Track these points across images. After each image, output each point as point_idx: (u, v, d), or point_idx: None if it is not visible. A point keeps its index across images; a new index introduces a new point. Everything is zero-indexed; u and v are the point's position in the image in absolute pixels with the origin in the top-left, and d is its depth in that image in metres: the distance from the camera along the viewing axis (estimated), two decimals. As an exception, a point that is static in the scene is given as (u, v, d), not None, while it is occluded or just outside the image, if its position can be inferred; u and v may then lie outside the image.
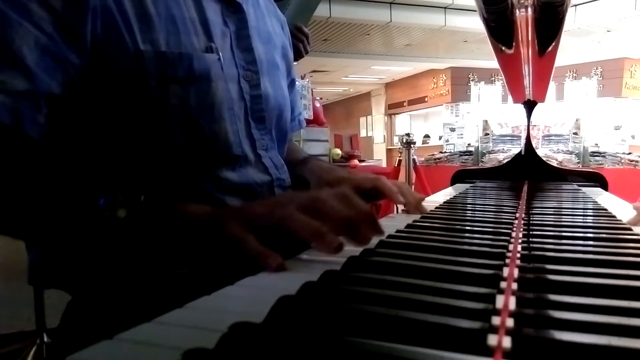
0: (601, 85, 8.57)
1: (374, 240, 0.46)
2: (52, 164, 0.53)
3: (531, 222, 0.57)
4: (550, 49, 1.15)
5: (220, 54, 0.65)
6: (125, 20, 0.57)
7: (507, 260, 0.37)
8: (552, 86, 6.41)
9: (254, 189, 0.69)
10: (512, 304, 0.27)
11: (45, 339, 1.90)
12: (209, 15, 0.65)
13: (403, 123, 13.14)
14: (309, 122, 4.22)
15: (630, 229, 0.53)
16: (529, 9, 1.05)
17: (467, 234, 0.54)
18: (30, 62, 0.52)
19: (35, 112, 0.53)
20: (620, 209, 0.75)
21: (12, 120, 0.51)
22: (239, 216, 0.49)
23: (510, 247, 0.42)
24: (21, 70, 0.51)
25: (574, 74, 9.11)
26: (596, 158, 4.29)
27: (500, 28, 1.12)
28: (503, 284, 0.31)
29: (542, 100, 1.32)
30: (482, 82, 8.82)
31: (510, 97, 1.45)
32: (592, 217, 0.68)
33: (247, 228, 0.47)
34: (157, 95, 0.59)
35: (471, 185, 1.17)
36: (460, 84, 10.34)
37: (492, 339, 0.22)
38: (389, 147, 12.63)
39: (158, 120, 0.60)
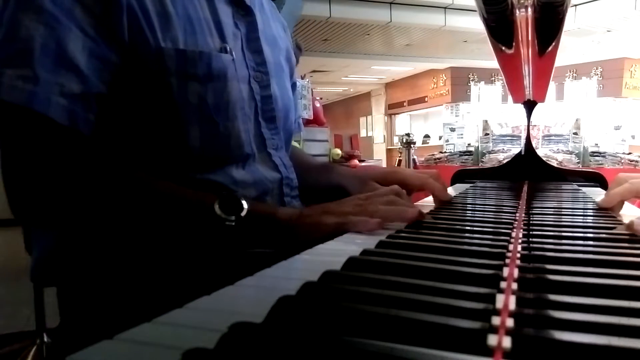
0: (601, 85, 8.57)
1: (374, 240, 0.46)
2: (105, 161, 0.57)
3: (531, 222, 0.57)
4: (550, 48, 1.15)
5: (234, 55, 0.66)
6: (147, 18, 0.59)
7: (507, 260, 0.37)
8: (552, 86, 6.41)
9: (265, 184, 0.70)
10: (512, 304, 0.27)
11: (45, 339, 1.90)
12: (222, 17, 0.67)
13: (403, 123, 13.13)
14: (309, 122, 4.21)
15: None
16: (529, 9, 1.05)
17: (467, 234, 0.54)
18: (83, 65, 0.55)
19: (87, 112, 0.56)
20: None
21: (70, 122, 0.54)
22: (332, 212, 0.57)
23: (510, 247, 0.42)
24: (76, 73, 0.54)
25: (574, 74, 9.11)
26: (596, 158, 4.30)
27: (500, 28, 1.12)
28: (503, 284, 0.31)
29: (542, 100, 1.32)
30: (482, 82, 8.81)
31: (510, 97, 1.45)
32: (592, 217, 0.68)
33: (340, 219, 0.55)
34: (177, 93, 0.61)
35: (471, 185, 1.17)
36: (460, 84, 10.33)
37: (492, 339, 0.22)
38: (389, 147, 12.63)
39: (176, 118, 0.61)
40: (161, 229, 0.57)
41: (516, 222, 0.55)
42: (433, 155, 5.28)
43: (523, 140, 1.32)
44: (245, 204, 0.54)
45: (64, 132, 0.54)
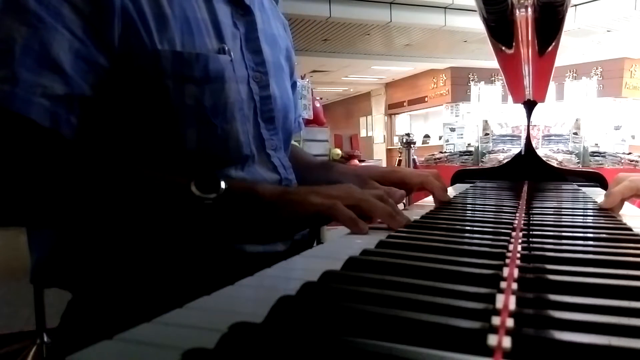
0: (601, 85, 8.56)
1: (374, 240, 0.46)
2: (84, 161, 0.56)
3: (531, 222, 0.57)
4: (550, 49, 1.15)
5: (232, 55, 0.65)
6: (142, 20, 0.58)
7: (507, 260, 0.37)
8: (552, 86, 6.41)
9: None
10: (512, 304, 0.27)
11: (45, 339, 1.90)
12: (220, 17, 0.66)
13: (403, 123, 13.13)
14: (309, 122, 4.21)
15: (630, 229, 0.53)
16: (529, 9, 1.05)
17: (467, 234, 0.54)
18: (67, 66, 0.54)
19: (69, 114, 0.55)
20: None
21: (51, 123, 0.53)
22: (318, 193, 0.55)
23: (510, 247, 0.42)
24: (60, 74, 0.53)
25: (574, 74, 9.10)
26: (596, 158, 4.30)
27: (500, 28, 1.12)
28: (503, 284, 0.31)
29: (542, 100, 1.32)
30: (482, 82, 8.81)
31: (510, 97, 1.45)
32: (592, 217, 0.68)
33: (327, 200, 0.54)
34: (174, 95, 0.60)
35: (471, 185, 1.17)
36: (460, 84, 10.33)
37: (492, 339, 0.22)
38: (389, 147, 12.63)
39: (173, 120, 0.60)
40: (143, 216, 0.55)
41: (516, 222, 0.55)
42: (433, 155, 5.28)
43: (523, 140, 1.32)
44: (222, 182, 0.53)
45: (45, 134, 0.53)
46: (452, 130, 7.84)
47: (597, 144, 5.20)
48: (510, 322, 0.24)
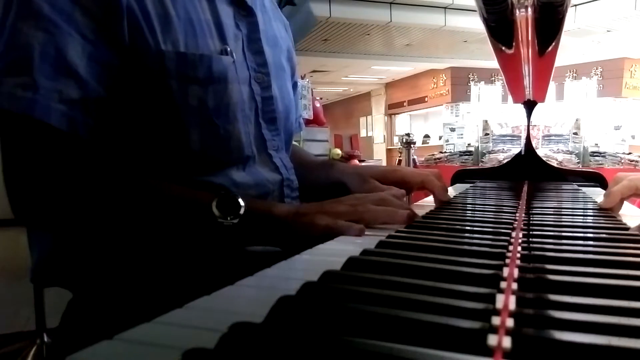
0: (601, 85, 8.55)
1: (374, 240, 0.46)
2: (100, 160, 0.58)
3: (531, 222, 0.57)
4: (550, 48, 1.15)
5: (234, 56, 0.66)
6: (147, 21, 0.59)
7: (507, 260, 0.37)
8: (552, 86, 6.40)
9: (266, 186, 0.70)
10: (512, 304, 0.27)
11: (45, 339, 1.90)
12: (223, 18, 0.67)
13: (403, 123, 13.12)
14: (309, 122, 4.22)
15: (629, 229, 0.53)
16: (529, 9, 1.05)
17: (467, 234, 0.54)
18: (82, 70, 0.55)
19: (86, 116, 0.56)
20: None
21: (69, 127, 0.55)
22: (326, 212, 0.57)
23: (510, 247, 0.42)
24: (75, 79, 0.55)
25: (574, 74, 9.09)
26: (596, 158, 4.30)
27: (500, 28, 1.12)
28: (503, 284, 0.31)
29: (542, 100, 1.32)
30: (482, 82, 8.81)
31: (510, 97, 1.45)
32: (592, 217, 0.68)
33: (334, 219, 0.56)
34: (178, 96, 0.61)
35: (471, 185, 1.17)
36: (460, 84, 10.32)
37: (492, 339, 0.22)
38: (389, 147, 12.61)
39: (177, 121, 0.61)
40: (159, 228, 0.57)
41: (516, 222, 0.55)
42: (433, 155, 5.28)
43: (523, 140, 1.32)
44: (242, 203, 0.54)
45: (64, 137, 0.55)
46: (452, 130, 7.85)
47: (597, 144, 5.20)
48: (510, 322, 0.24)
